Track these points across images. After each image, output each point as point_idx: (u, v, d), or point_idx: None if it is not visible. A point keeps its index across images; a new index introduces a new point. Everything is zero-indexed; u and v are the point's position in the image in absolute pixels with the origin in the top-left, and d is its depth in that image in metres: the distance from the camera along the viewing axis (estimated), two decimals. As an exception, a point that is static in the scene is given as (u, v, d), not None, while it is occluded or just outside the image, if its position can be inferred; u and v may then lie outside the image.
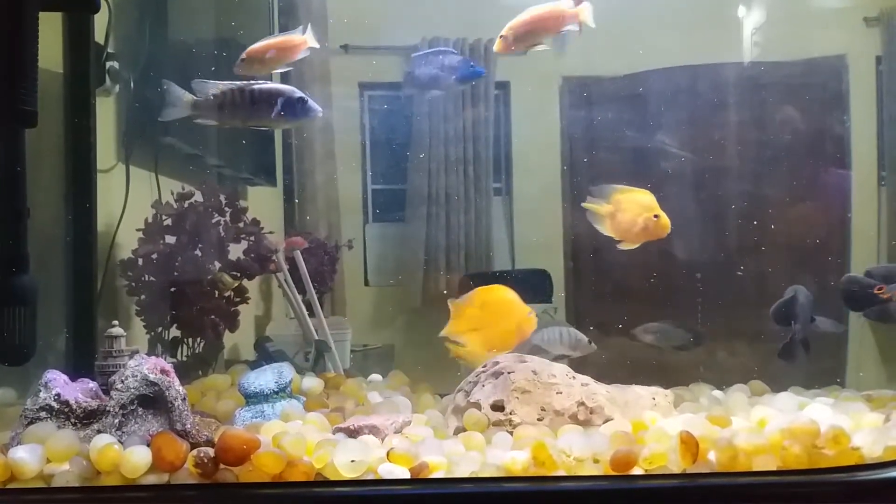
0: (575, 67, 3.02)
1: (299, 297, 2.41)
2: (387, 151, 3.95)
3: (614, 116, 2.51)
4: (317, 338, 2.35)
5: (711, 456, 1.37)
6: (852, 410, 1.59)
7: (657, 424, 1.52)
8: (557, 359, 1.84)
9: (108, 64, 2.19)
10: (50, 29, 1.83)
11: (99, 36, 2.10)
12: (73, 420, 1.40)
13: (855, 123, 2.09)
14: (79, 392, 1.45)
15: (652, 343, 1.92)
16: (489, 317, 1.66)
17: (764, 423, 1.50)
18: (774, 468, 1.35)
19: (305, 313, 2.38)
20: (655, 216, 1.65)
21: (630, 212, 1.66)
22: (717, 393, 1.84)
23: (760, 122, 1.92)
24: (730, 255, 2.26)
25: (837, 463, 1.36)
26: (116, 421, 1.38)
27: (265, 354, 2.31)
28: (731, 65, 2.22)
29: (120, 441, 1.34)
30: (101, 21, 2.09)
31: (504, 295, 1.67)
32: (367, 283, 3.95)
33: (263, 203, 3.06)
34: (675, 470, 1.35)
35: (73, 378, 1.49)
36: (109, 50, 2.18)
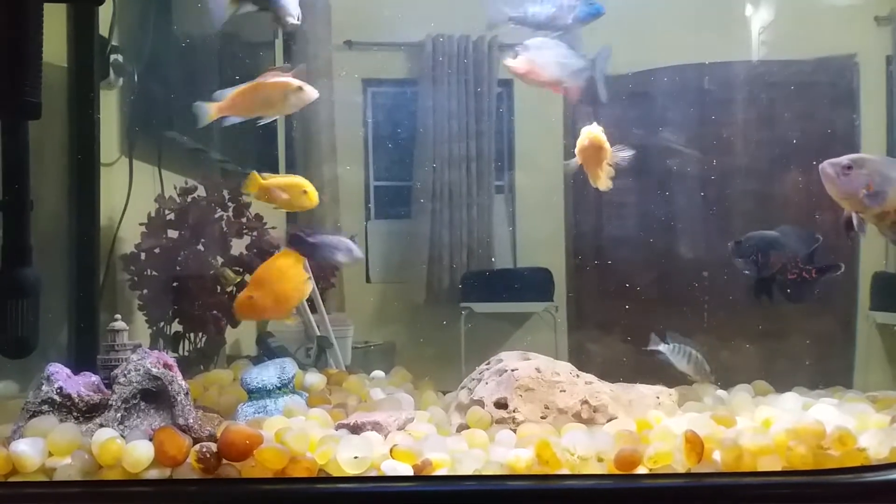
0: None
1: (301, 293, 2.40)
2: (390, 148, 3.94)
3: (620, 114, 2.50)
4: (318, 334, 2.35)
5: (716, 456, 1.36)
6: (857, 411, 1.58)
7: (662, 423, 1.51)
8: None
9: (112, 57, 2.18)
10: (55, 21, 1.83)
11: (103, 29, 2.10)
12: (75, 414, 1.40)
13: (865, 122, 2.08)
14: (81, 386, 1.44)
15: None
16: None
17: (769, 424, 1.49)
18: (780, 468, 1.35)
19: (308, 309, 2.37)
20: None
21: None
22: (721, 392, 1.83)
23: (769, 121, 1.91)
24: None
25: (843, 464, 1.36)
26: (119, 415, 1.38)
27: (267, 350, 2.31)
28: (739, 63, 2.21)
29: (122, 435, 1.33)
30: (105, 14, 2.08)
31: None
32: (368, 280, 3.94)
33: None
34: (680, 469, 1.34)
35: (76, 371, 1.49)
36: (113, 43, 2.17)
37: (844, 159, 1.46)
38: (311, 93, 1.73)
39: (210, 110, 1.73)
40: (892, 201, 1.45)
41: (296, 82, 1.72)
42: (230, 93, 1.73)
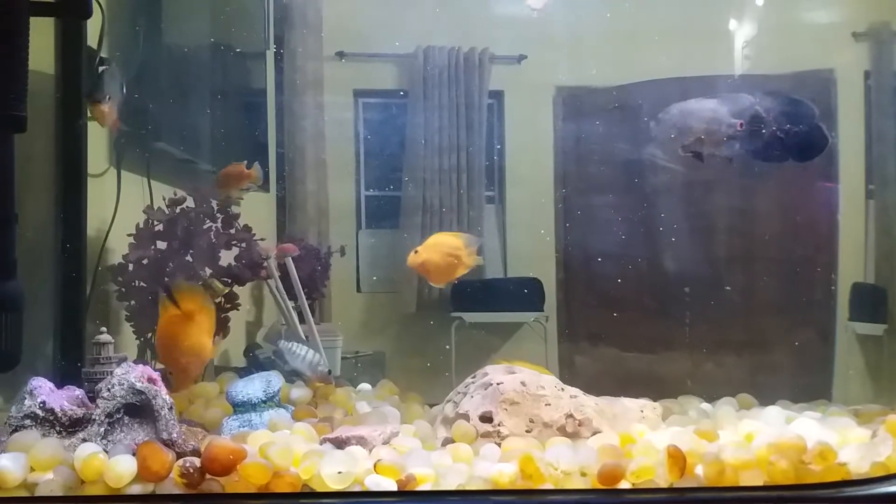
0: (568, 77, 3.03)
1: (290, 304, 2.40)
2: (381, 158, 3.95)
3: (607, 127, 2.52)
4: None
5: (699, 470, 1.37)
6: (839, 425, 1.59)
7: (645, 438, 1.51)
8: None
9: (101, 68, 2.18)
10: (43, 33, 1.83)
11: (93, 40, 2.10)
12: (58, 428, 1.39)
13: (843, 137, 2.11)
14: (64, 400, 1.43)
15: None
16: None
17: (751, 438, 1.50)
18: (761, 483, 1.35)
19: (296, 320, 2.37)
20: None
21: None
22: (705, 406, 1.84)
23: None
24: (720, 267, 2.27)
25: (824, 479, 1.36)
26: (102, 430, 1.37)
27: (255, 361, 2.30)
28: (721, 77, 2.25)
29: (105, 450, 1.33)
30: (95, 25, 2.08)
31: None
32: (359, 290, 3.95)
33: (256, 209, 3.06)
34: (663, 484, 1.34)
35: (60, 385, 1.48)
36: (102, 55, 2.17)
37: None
38: None
39: None
40: (698, 130, 1.77)
41: None
42: None
